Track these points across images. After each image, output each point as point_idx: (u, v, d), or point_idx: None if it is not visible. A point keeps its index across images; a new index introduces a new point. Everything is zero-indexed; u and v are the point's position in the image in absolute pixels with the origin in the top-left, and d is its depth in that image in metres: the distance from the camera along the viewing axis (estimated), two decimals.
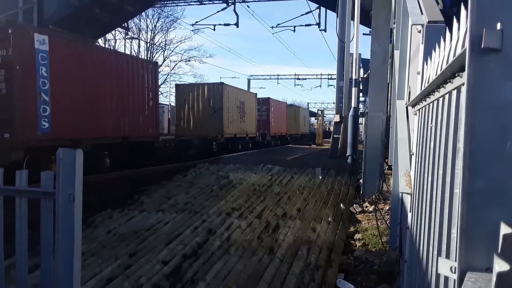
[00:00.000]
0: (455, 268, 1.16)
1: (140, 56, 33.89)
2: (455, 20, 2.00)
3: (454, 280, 1.16)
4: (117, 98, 12.63)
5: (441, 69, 2.20)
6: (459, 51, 1.76)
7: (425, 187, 2.52)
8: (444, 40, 2.24)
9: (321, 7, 23.96)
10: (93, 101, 11.69)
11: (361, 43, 11.68)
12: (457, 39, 1.85)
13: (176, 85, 23.03)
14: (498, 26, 1.02)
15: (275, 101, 32.57)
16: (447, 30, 2.19)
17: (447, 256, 1.63)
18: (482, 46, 1.05)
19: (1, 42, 9.24)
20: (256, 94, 27.91)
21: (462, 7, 1.78)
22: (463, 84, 1.61)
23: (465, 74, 1.56)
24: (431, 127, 2.42)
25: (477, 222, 1.07)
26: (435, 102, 2.29)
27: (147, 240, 5.83)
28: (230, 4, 22.66)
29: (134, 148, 13.70)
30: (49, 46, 9.98)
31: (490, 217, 1.06)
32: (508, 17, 1.04)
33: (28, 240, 2.86)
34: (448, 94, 1.92)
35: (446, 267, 1.17)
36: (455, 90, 1.75)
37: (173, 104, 27.70)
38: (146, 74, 14.25)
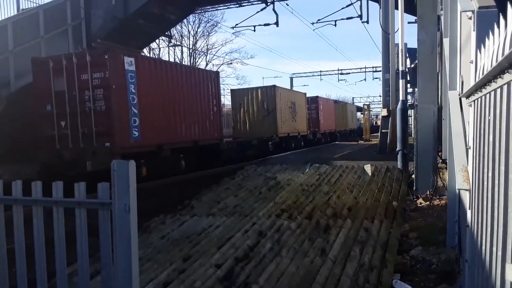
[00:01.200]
0: None
1: (183, 62, 34.70)
2: (509, 5, 1.87)
3: None
4: (188, 106, 14.10)
5: (496, 59, 2.08)
6: None
7: (485, 183, 2.38)
8: (499, 27, 2.10)
9: None
10: (170, 110, 13.16)
11: (406, 32, 11.33)
12: None
13: (232, 90, 23.93)
14: None
15: (323, 99, 33.29)
16: (501, 16, 2.06)
17: None
18: None
19: (99, 66, 10.94)
20: (305, 93, 28.42)
21: None
22: None
23: None
24: (489, 120, 2.28)
25: None
26: (492, 93, 2.16)
27: (199, 244, 5.93)
28: (269, 3, 22.63)
29: (203, 151, 15.08)
30: (135, 66, 11.67)
31: None
32: None
33: (89, 246, 2.99)
34: (506, 85, 1.80)
35: None
36: None
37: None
38: (209, 83, 15.57)
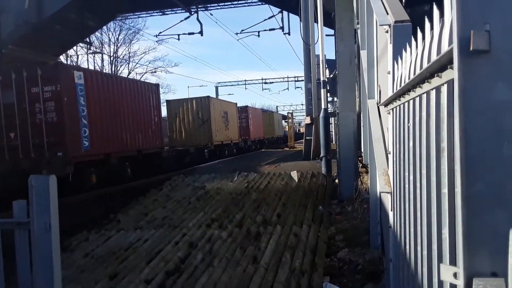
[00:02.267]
0: (457, 274, 1.15)
1: (104, 70, 33.25)
2: (426, 20, 2.02)
3: (456, 286, 1.15)
4: (132, 117, 14.81)
5: (414, 69, 2.23)
6: (434, 51, 1.78)
7: (406, 186, 2.53)
8: (416, 40, 2.26)
9: (284, 11, 24.18)
10: (116, 120, 13.77)
11: (324, 44, 11.84)
12: (431, 39, 1.87)
13: (167, 101, 24.18)
14: (485, 27, 1.02)
15: (252, 108, 35.53)
16: (419, 30, 2.22)
17: (440, 259, 1.63)
18: (471, 49, 1.05)
19: (51, 80, 11.36)
20: (236, 103, 29.78)
21: (435, 7, 1.81)
22: (442, 84, 1.62)
23: (444, 74, 1.57)
24: (408, 126, 2.43)
25: (478, 226, 1.07)
26: (411, 101, 2.30)
27: (127, 260, 5.67)
28: (193, 13, 22.53)
29: (146, 159, 15.87)
30: (84, 79, 12.21)
31: (491, 220, 1.05)
32: (494, 18, 1.04)
33: (4, 269, 2.72)
34: (426, 94, 1.92)
35: (449, 273, 1.16)
36: (434, 90, 1.75)
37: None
38: (150, 94, 16.52)
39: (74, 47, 28.34)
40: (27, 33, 15.36)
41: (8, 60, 14.67)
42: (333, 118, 21.21)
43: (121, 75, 31.56)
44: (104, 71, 32.68)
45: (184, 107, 22.76)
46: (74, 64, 31.57)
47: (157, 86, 17.87)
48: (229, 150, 26.00)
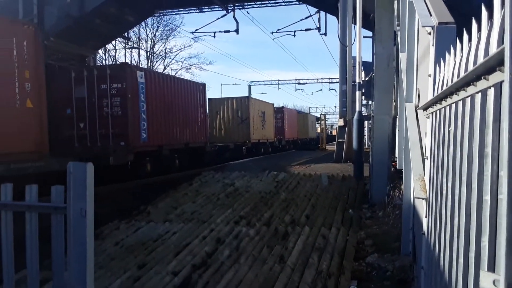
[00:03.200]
0: (496, 281, 1.10)
1: (140, 65, 33.96)
2: (474, 21, 1.95)
3: None
4: (182, 113, 16.27)
5: (458, 72, 2.15)
6: (481, 53, 1.71)
7: (444, 192, 2.45)
8: (461, 42, 2.19)
9: (321, 11, 23.97)
10: (168, 116, 15.22)
11: (362, 46, 11.67)
12: (478, 40, 1.80)
13: (209, 99, 25.24)
14: None
15: (288, 109, 36.75)
16: (465, 32, 2.14)
17: (477, 267, 1.57)
18: None
19: (118, 78, 12.78)
20: (273, 104, 30.94)
21: (483, 8, 1.74)
22: (489, 87, 1.56)
23: (492, 77, 1.50)
24: (449, 131, 2.36)
25: None
26: (453, 105, 2.23)
27: (155, 251, 5.77)
28: (229, 11, 22.69)
29: (192, 152, 17.28)
30: (144, 78, 13.69)
31: None
32: None
33: (39, 253, 2.82)
34: (470, 97, 1.85)
35: (489, 280, 1.11)
36: (479, 93, 1.69)
37: None
38: (198, 93, 17.99)
39: (113, 42, 29.13)
40: (69, 26, 15.90)
41: (50, 52, 15.21)
42: (366, 121, 20.89)
43: (156, 70, 32.23)
44: (140, 65, 33.45)
45: (225, 106, 24.06)
46: (112, 58, 32.44)
47: (203, 85, 19.22)
48: (265, 148, 27.45)
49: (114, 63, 32.06)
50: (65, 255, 2.68)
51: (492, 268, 1.32)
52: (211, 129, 23.54)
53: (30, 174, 8.85)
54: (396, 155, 9.44)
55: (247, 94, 41.95)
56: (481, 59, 1.65)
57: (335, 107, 64.57)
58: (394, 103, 11.42)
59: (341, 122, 18.19)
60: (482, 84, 1.61)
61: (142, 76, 13.63)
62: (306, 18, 24.93)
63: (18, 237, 2.90)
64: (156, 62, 39.57)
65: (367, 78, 18.03)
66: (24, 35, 9.24)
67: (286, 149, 32.26)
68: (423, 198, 3.31)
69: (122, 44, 32.84)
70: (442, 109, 2.59)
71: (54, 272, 2.74)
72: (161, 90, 14.86)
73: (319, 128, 44.39)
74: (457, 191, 2.05)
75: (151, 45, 38.35)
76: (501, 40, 1.40)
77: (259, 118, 26.16)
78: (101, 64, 28.31)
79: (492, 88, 1.50)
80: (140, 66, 33.24)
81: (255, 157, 22.72)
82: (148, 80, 13.90)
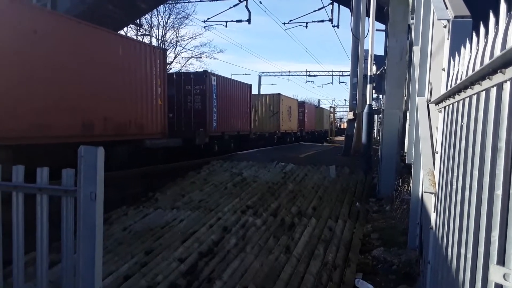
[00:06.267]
0: (506, 275, 1.09)
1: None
2: (491, 15, 1.91)
3: (502, 287, 1.09)
4: (236, 108, 20.84)
5: (474, 66, 2.12)
6: (498, 46, 1.69)
7: (454, 187, 2.43)
8: (478, 36, 2.15)
9: (334, 3, 23.73)
10: (228, 110, 19.70)
11: (374, 39, 11.56)
12: (495, 33, 1.77)
13: None
14: None
15: (308, 104, 41.32)
16: (482, 25, 2.11)
17: (486, 262, 1.56)
18: None
19: (200, 82, 17.36)
20: (297, 100, 35.82)
21: (502, 1, 1.70)
22: (505, 81, 1.53)
23: (508, 71, 1.48)
24: (462, 125, 2.33)
25: None
26: (467, 99, 2.20)
27: (162, 238, 5.82)
28: (242, 0, 22.55)
29: (241, 138, 21.88)
30: (216, 82, 18.26)
31: None
32: None
33: (48, 236, 2.86)
34: (485, 92, 1.83)
35: (499, 274, 1.11)
36: (495, 87, 1.66)
37: None
38: (246, 92, 22.51)
39: (125, 28, 29.12)
40: (82, 12, 15.90)
41: None
42: (376, 115, 20.74)
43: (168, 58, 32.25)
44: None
45: (259, 101, 28.18)
46: None
47: (250, 85, 23.69)
48: (290, 138, 32.08)
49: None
50: (74, 238, 2.72)
51: (501, 263, 1.32)
52: None
53: (159, 148, 13.75)
54: (405, 149, 9.38)
55: (257, 85, 42.77)
56: (497, 52, 1.63)
57: (344, 100, 64.21)
58: (405, 98, 11.31)
59: (350, 115, 18.08)
60: (497, 78, 1.59)
61: (214, 80, 18.15)
62: (319, 9, 24.76)
63: (28, 220, 2.94)
64: (168, 50, 39.48)
65: (378, 72, 17.87)
66: (157, 55, 13.77)
67: (306, 139, 36.08)
68: (432, 193, 3.30)
69: (134, 31, 32.81)
70: (455, 103, 2.56)
71: (62, 255, 2.77)
72: (225, 90, 19.38)
73: (328, 121, 44.60)
74: (467, 186, 2.04)
75: (162, 32, 38.31)
76: None
77: (287, 112, 30.32)
78: None
79: (508, 82, 1.48)
80: None
81: (283, 144, 27.62)
82: (218, 83, 18.47)
